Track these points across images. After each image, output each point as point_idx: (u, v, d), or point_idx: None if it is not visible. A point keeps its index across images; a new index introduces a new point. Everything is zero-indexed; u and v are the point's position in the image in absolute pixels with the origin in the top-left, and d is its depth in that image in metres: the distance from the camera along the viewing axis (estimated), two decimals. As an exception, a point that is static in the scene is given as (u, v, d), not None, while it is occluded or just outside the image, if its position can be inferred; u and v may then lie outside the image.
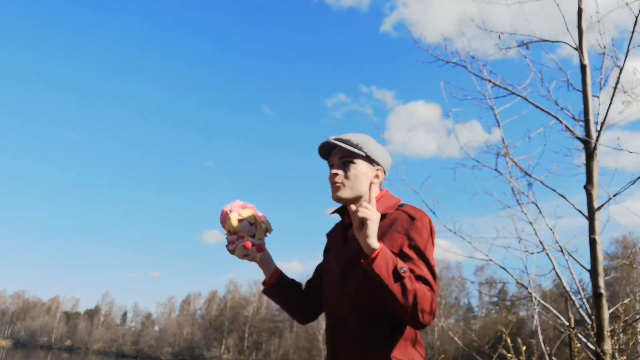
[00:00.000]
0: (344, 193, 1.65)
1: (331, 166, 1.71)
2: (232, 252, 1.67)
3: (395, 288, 1.41)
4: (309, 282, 1.86)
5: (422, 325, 1.46)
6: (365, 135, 1.71)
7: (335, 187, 1.67)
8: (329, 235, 1.82)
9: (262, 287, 1.84)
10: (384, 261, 1.41)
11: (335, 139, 1.68)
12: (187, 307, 76.56)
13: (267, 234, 1.74)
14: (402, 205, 1.66)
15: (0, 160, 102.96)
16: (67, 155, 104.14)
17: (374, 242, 1.41)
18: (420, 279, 1.47)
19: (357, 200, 1.67)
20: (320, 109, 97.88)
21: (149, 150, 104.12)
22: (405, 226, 1.57)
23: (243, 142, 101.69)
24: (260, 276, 1.83)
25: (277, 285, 1.80)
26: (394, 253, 1.50)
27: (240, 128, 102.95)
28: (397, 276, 1.42)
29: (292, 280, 1.85)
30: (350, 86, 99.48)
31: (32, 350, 72.85)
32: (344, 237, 1.70)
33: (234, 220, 1.66)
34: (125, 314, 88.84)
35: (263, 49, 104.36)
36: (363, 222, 1.41)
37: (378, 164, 1.70)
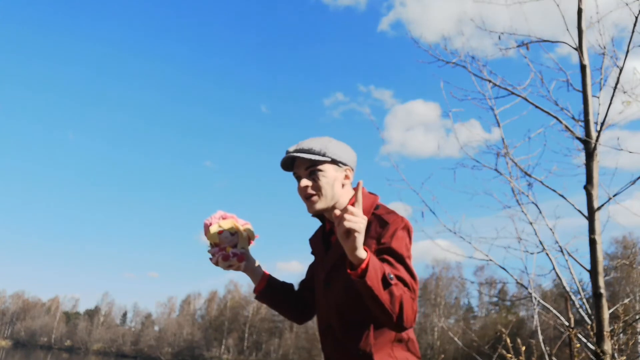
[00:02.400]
0: (320, 204, 1.60)
1: (298, 178, 1.63)
2: (215, 264, 1.67)
3: (385, 297, 1.35)
4: (301, 283, 1.86)
5: (405, 329, 1.42)
6: (324, 138, 1.65)
7: (309, 201, 1.60)
8: (311, 240, 1.79)
9: None
10: (374, 271, 1.33)
11: (297, 151, 1.60)
12: (187, 308, 76.50)
13: (252, 241, 1.73)
14: (376, 208, 1.60)
15: (0, 160, 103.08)
16: (66, 156, 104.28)
17: (361, 252, 1.32)
18: (399, 280, 1.41)
19: (331, 208, 1.62)
20: (318, 108, 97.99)
21: (148, 150, 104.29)
22: (379, 231, 1.52)
23: (241, 141, 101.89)
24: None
25: (266, 291, 1.78)
26: None
27: (238, 127, 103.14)
28: (386, 284, 1.35)
29: (282, 283, 1.83)
30: (348, 85, 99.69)
31: (32, 351, 72.83)
32: (326, 242, 1.68)
33: (213, 232, 1.65)
34: (125, 314, 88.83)
35: (260, 48, 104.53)
36: (349, 232, 1.29)
37: (345, 164, 1.63)
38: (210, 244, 1.67)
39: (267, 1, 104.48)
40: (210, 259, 1.67)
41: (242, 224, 1.71)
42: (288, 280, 1.88)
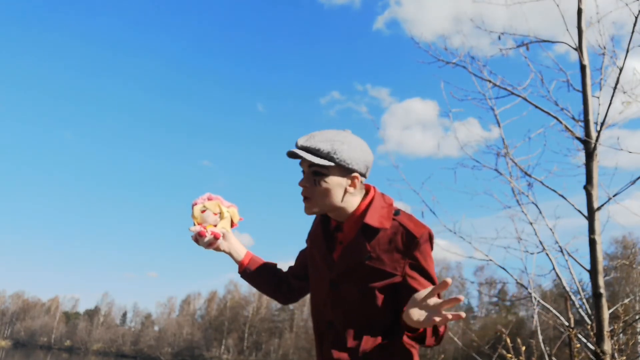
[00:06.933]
0: (315, 208, 1.54)
1: (302, 173, 1.56)
2: (195, 241, 1.73)
3: (431, 341, 1.46)
4: (290, 269, 1.82)
5: (428, 346, 1.50)
6: (338, 135, 1.52)
7: (305, 202, 1.54)
8: (311, 234, 1.72)
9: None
10: (430, 331, 1.43)
11: (303, 147, 1.50)
12: (187, 308, 76.54)
13: (236, 223, 1.80)
14: (396, 213, 1.54)
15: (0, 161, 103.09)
16: (64, 156, 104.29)
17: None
18: None
19: (331, 211, 1.56)
20: (315, 107, 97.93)
21: (146, 150, 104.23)
22: (407, 245, 1.49)
23: (238, 140, 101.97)
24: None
25: (245, 271, 1.80)
26: (394, 274, 1.50)
27: (235, 126, 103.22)
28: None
29: (265, 264, 1.81)
30: (345, 84, 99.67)
31: (32, 351, 72.86)
32: (329, 242, 1.62)
33: (197, 211, 1.73)
34: (125, 314, 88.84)
35: (256, 47, 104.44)
36: (431, 323, 1.31)
37: (354, 170, 1.52)
38: (194, 222, 1.75)
39: (262, 0, 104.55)
40: (191, 236, 1.73)
41: (227, 206, 1.78)
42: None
